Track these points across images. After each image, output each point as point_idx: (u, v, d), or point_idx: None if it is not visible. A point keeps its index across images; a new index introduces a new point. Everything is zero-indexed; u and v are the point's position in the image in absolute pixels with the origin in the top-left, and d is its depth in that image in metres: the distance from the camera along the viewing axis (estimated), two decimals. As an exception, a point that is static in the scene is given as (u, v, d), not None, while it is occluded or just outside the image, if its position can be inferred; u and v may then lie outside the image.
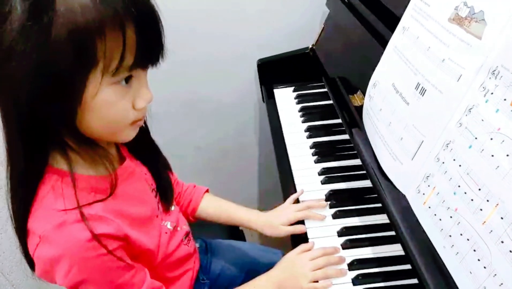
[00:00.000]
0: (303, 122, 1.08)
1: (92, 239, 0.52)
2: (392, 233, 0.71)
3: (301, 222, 0.82)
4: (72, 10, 0.44)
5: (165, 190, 0.73)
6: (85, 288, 0.55)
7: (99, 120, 0.52)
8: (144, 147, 0.69)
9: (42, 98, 0.47)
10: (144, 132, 0.68)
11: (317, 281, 0.71)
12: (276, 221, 0.82)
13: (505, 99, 0.48)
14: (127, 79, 0.51)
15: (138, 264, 0.62)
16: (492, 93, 0.50)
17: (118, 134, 0.56)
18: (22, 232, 0.55)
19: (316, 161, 0.94)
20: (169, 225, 0.72)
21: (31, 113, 0.48)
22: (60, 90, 0.47)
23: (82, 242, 0.52)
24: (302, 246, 0.76)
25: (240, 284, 0.74)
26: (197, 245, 0.87)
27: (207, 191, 0.90)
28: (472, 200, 0.50)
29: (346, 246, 0.75)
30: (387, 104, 0.71)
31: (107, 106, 0.51)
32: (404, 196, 0.64)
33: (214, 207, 0.87)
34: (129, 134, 0.57)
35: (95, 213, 0.54)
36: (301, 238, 0.79)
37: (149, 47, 0.51)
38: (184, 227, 0.78)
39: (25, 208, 0.54)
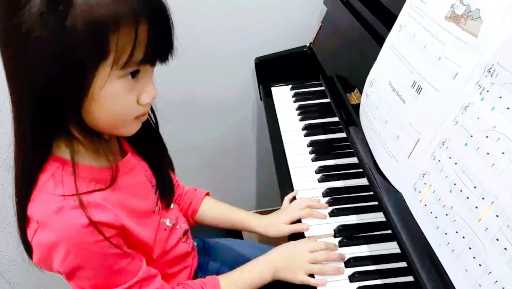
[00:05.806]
0: (301, 120, 1.08)
1: (89, 225, 0.53)
2: (388, 231, 0.72)
3: (299, 220, 0.81)
4: (90, 3, 0.46)
5: (165, 187, 0.73)
6: (82, 274, 0.55)
7: (104, 112, 0.53)
8: (150, 144, 0.71)
9: (54, 84, 0.48)
10: (152, 127, 0.70)
11: (313, 275, 0.71)
12: (278, 220, 0.82)
13: (500, 97, 0.48)
14: (134, 74, 0.53)
15: (135, 252, 0.62)
16: (488, 91, 0.50)
17: (121, 127, 0.57)
18: (22, 217, 0.56)
19: (314, 159, 0.94)
20: (168, 222, 0.72)
21: (43, 100, 0.50)
22: (71, 78, 0.48)
23: (79, 227, 0.52)
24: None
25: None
26: (195, 244, 0.88)
27: (207, 194, 0.90)
28: (467, 198, 0.50)
29: (342, 244, 0.75)
30: (383, 102, 0.71)
31: (113, 98, 0.52)
32: (400, 194, 0.64)
33: (214, 210, 0.87)
34: (132, 128, 0.59)
35: (93, 201, 0.55)
36: (298, 236, 0.79)
37: (159, 45, 0.53)
38: (183, 225, 0.78)
39: (26, 193, 0.55)
